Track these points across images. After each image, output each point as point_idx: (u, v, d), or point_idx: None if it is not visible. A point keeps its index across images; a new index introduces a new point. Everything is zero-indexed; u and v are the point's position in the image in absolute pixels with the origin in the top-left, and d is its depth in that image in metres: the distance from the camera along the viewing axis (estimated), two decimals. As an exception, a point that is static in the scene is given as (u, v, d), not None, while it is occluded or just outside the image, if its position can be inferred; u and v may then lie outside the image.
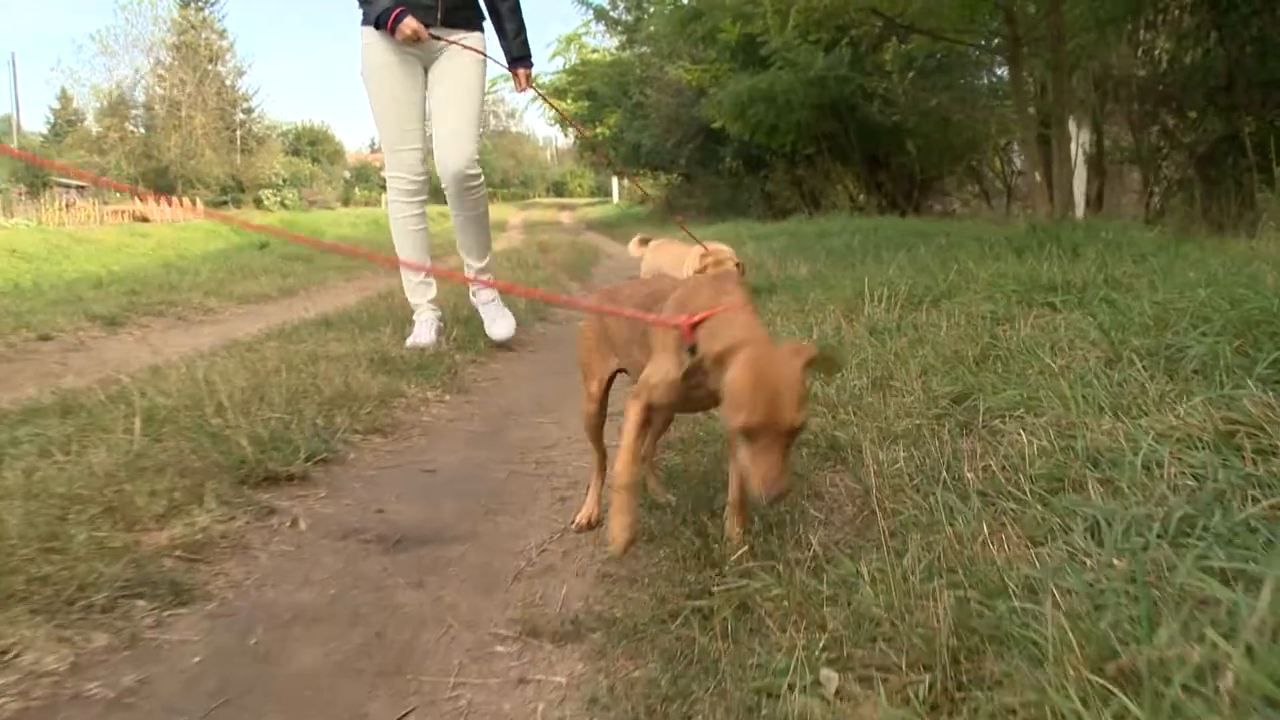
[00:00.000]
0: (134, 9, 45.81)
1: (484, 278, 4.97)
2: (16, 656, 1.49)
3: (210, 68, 47.82)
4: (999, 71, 11.74)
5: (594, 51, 30.04)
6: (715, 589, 1.66)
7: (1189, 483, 1.66)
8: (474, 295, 5.12)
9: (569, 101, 28.00)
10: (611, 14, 24.03)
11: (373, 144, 78.96)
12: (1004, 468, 1.92)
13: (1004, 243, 5.97)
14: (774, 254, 8.28)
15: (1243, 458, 1.73)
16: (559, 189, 74.38)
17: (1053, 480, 1.82)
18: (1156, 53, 12.40)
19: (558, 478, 2.61)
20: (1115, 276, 3.95)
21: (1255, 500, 1.53)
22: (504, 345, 4.86)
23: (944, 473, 1.96)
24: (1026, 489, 1.79)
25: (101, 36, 46.42)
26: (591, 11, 24.23)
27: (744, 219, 17.68)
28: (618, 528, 1.84)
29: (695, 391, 1.76)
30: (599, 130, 29.67)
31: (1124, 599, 1.24)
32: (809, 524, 1.93)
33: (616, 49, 26.58)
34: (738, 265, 5.07)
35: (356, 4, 4.54)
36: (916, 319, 3.77)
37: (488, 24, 4.77)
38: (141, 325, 5.87)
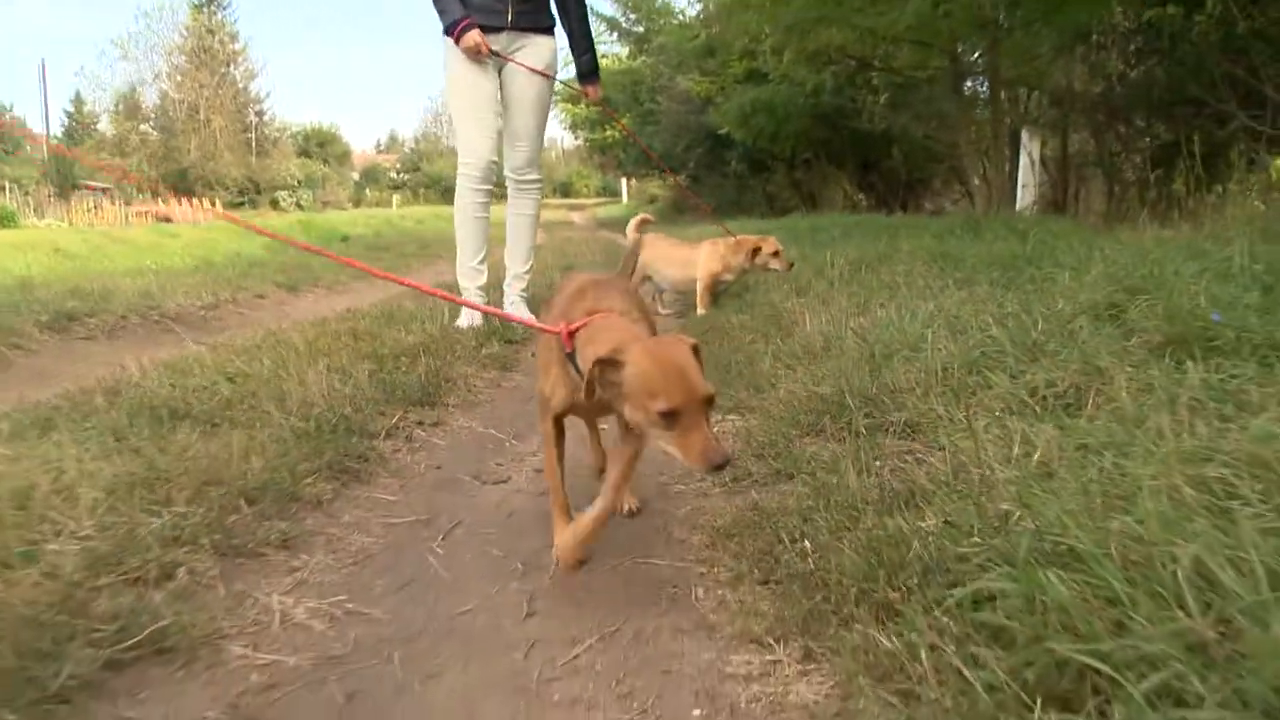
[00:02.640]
0: (154, 14, 48.44)
1: (519, 285, 5.58)
2: (405, 415, 3.91)
3: (225, 71, 50.44)
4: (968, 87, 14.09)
5: (603, 57, 32.27)
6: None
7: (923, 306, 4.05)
8: (507, 298, 5.62)
9: (583, 107, 30.39)
10: (623, 24, 26.46)
11: (378, 145, 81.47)
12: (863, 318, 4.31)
13: (941, 232, 8.36)
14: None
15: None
16: (565, 190, 77.44)
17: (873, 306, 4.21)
18: (1108, 71, 14.67)
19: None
20: (994, 248, 6.36)
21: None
22: None
23: (843, 324, 4.35)
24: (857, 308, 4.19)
25: (123, 41, 49.11)
26: (604, 23, 26.67)
27: (748, 217, 19.99)
28: (560, 547, 2.08)
29: (587, 398, 1.86)
30: (608, 134, 32.19)
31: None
32: (777, 350, 4.31)
33: (626, 57, 28.87)
34: (775, 253, 6.13)
35: (436, 12, 5.13)
36: (858, 276, 6.15)
37: (559, 25, 5.41)
38: (310, 291, 8.30)
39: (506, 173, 5.43)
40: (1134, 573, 1.28)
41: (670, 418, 1.67)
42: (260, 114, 53.15)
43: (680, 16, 24.28)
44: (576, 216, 37.47)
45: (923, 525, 1.80)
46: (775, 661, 1.64)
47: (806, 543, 1.95)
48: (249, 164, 48.92)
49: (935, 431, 2.53)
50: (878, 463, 2.39)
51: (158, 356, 4.18)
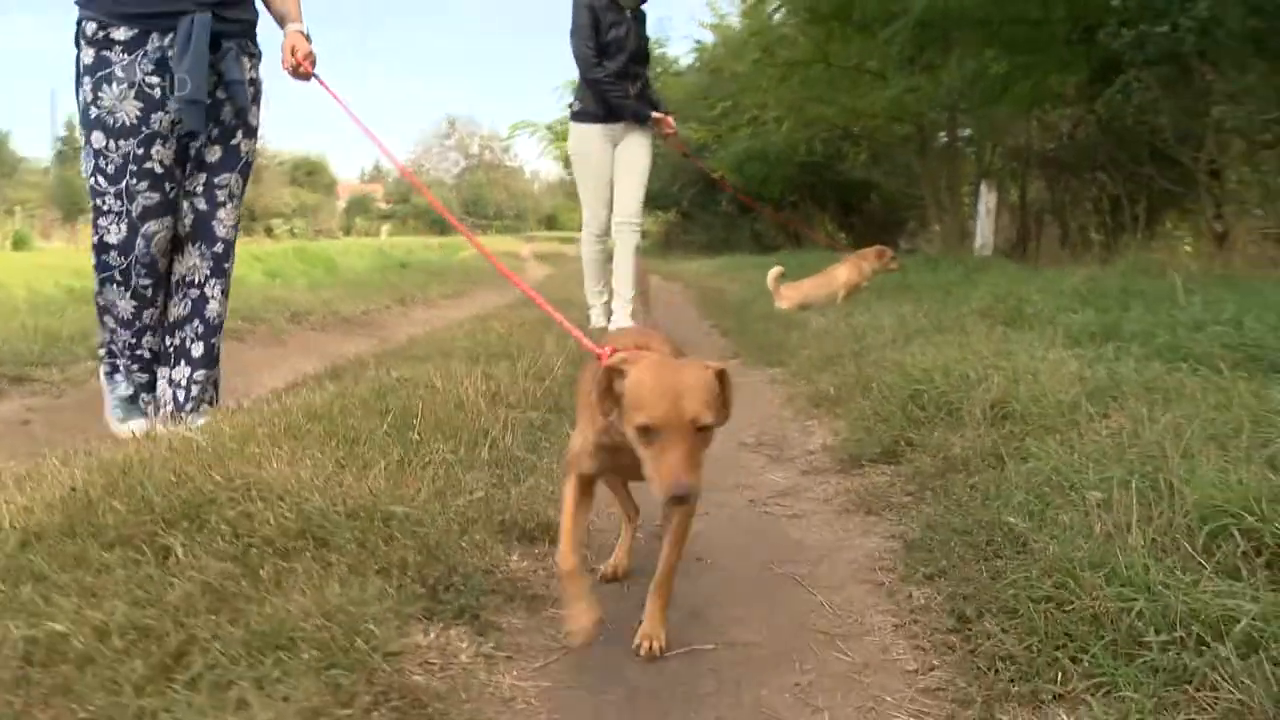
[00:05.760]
0: (154, 39, 50.89)
1: (627, 308, 6.92)
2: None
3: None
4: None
5: (598, 101, 35.13)
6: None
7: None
8: (617, 315, 7.13)
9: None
10: (627, 72, 29.48)
11: (363, 174, 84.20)
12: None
13: (907, 267, 11.26)
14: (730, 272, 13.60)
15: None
16: (551, 222, 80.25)
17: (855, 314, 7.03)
18: (1059, 132, 17.56)
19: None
20: (940, 278, 9.23)
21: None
22: None
23: (836, 322, 7.15)
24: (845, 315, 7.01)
25: (118, 65, 51.59)
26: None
27: (737, 253, 22.80)
28: (570, 619, 1.98)
29: (622, 456, 1.89)
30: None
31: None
32: (799, 336, 7.10)
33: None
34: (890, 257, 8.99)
35: (572, 103, 7.28)
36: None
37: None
38: (412, 305, 11.08)
39: (616, 220, 7.14)
40: (923, 368, 4.09)
41: (647, 434, 1.70)
42: (252, 142, 55.71)
43: (676, 65, 27.39)
44: (570, 249, 39.99)
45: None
46: (812, 420, 4.47)
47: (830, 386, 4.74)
48: (243, 191, 51.47)
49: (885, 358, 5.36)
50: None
51: (375, 338, 6.95)
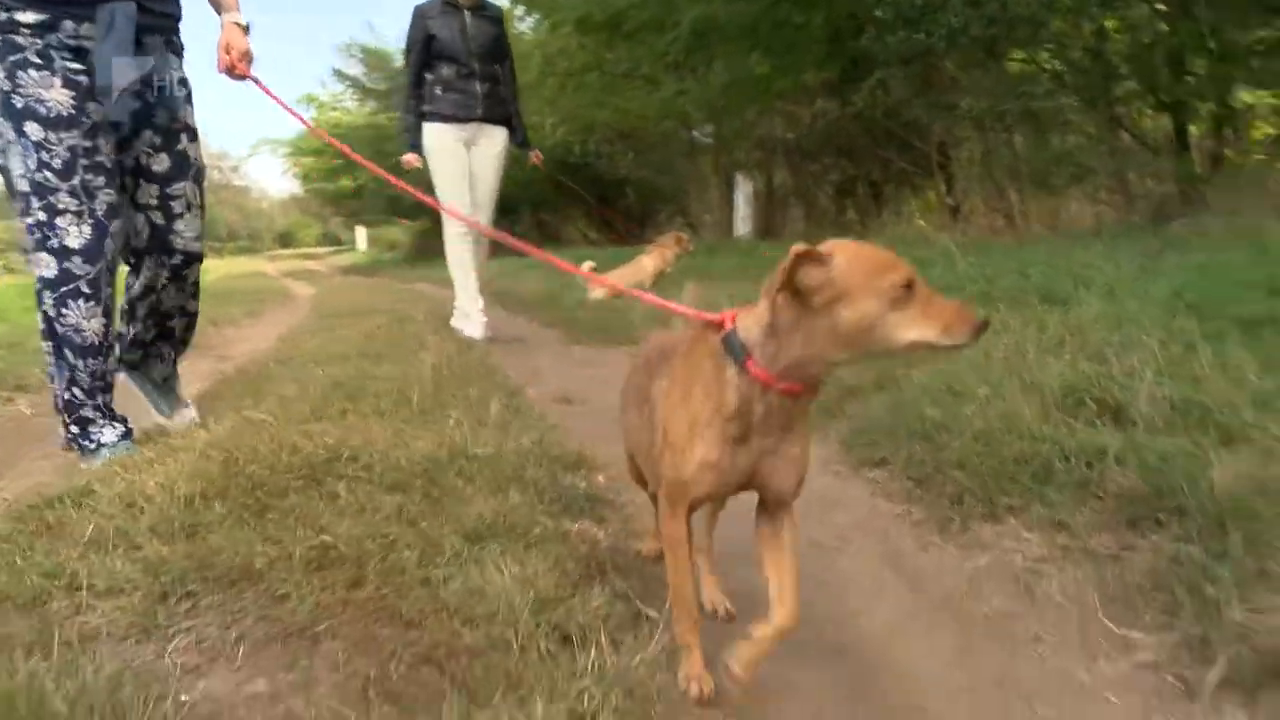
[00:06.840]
0: None
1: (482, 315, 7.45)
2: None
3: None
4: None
5: (333, 110, 34.91)
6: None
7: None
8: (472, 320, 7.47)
9: (328, 160, 33.15)
10: (367, 84, 29.68)
11: None
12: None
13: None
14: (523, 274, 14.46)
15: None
16: (286, 240, 78.52)
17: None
18: (801, 120, 19.20)
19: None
20: (729, 263, 10.33)
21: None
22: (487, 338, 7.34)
23: None
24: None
25: None
26: (346, 83, 29.85)
27: (496, 256, 23.31)
28: (690, 677, 1.88)
29: (750, 446, 1.79)
30: (342, 183, 35.03)
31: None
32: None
33: (370, 113, 31.63)
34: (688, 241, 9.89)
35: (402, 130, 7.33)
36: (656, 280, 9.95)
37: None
38: (222, 325, 11.28)
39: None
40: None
41: (910, 290, 1.62)
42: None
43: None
44: (317, 266, 39.09)
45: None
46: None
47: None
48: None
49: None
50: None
51: (214, 356, 7.33)
